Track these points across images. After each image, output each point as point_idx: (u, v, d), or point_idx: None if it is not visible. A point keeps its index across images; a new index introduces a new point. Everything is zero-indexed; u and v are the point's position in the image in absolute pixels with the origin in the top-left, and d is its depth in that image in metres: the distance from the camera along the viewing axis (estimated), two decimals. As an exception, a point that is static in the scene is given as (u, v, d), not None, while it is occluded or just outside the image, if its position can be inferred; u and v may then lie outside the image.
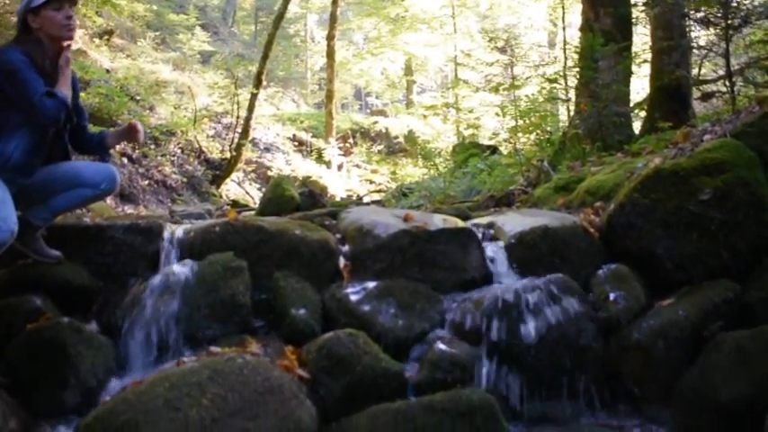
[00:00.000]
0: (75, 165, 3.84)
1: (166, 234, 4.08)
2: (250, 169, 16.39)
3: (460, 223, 4.30)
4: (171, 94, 16.72)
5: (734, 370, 3.37)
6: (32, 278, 3.70)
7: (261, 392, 2.87)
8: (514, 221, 4.38)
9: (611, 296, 3.81)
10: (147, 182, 12.18)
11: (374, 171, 20.12)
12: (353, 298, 3.73)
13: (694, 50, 7.78)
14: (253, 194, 14.90)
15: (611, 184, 4.85)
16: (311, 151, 19.59)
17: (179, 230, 4.14)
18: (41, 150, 3.59)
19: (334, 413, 3.17)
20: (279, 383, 2.95)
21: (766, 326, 3.49)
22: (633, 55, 8.37)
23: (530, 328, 3.53)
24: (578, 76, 8.10)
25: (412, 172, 17.94)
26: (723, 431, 3.34)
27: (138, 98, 14.66)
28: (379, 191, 15.97)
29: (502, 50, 10.68)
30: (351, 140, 20.81)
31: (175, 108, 15.87)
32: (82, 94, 11.86)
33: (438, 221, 4.21)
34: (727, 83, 6.48)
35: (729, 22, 6.15)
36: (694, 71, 8.21)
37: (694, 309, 3.67)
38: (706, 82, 8.30)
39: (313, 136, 20.40)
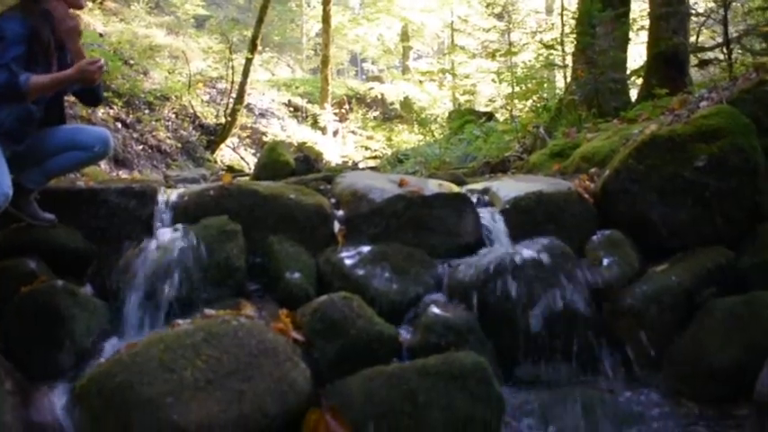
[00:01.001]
0: (69, 128, 3.81)
1: (161, 198, 4.07)
2: (245, 135, 16.31)
3: (455, 188, 4.30)
4: (165, 59, 16.56)
5: (726, 335, 3.42)
6: (26, 241, 3.69)
7: (255, 354, 2.88)
8: (509, 187, 4.38)
9: (605, 261, 3.82)
10: (141, 147, 12.11)
11: (370, 137, 20.05)
12: (348, 262, 3.74)
13: (692, 17, 7.73)
14: (248, 160, 14.84)
15: (607, 150, 4.85)
16: (306, 117, 19.49)
17: (173, 194, 4.13)
18: (33, 118, 3.56)
19: (329, 375, 3.18)
20: (273, 346, 2.97)
21: (758, 292, 3.53)
22: (631, 21, 8.32)
23: (523, 292, 3.55)
24: (575, 43, 8.05)
25: (407, 138, 17.89)
26: (714, 395, 3.40)
27: (131, 62, 14.51)
28: (374, 157, 15.93)
29: (499, 16, 10.61)
30: (346, 107, 20.70)
31: (170, 73, 15.72)
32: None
33: (433, 186, 4.20)
34: (725, 50, 6.45)
35: (728, -12, 6.10)
36: (692, 38, 8.16)
37: (687, 275, 3.69)
38: (704, 49, 8.27)
39: (308, 102, 20.27)
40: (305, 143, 16.14)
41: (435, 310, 3.48)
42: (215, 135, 14.81)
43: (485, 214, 4.14)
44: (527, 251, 3.71)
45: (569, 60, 8.72)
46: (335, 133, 18.54)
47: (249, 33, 16.46)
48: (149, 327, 3.48)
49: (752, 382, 3.15)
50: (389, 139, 18.70)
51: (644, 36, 8.61)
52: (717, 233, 3.92)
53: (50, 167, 3.69)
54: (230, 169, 12.69)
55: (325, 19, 19.85)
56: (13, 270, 3.52)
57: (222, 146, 14.87)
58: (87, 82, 3.54)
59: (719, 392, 3.40)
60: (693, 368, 3.48)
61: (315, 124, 18.94)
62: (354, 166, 12.24)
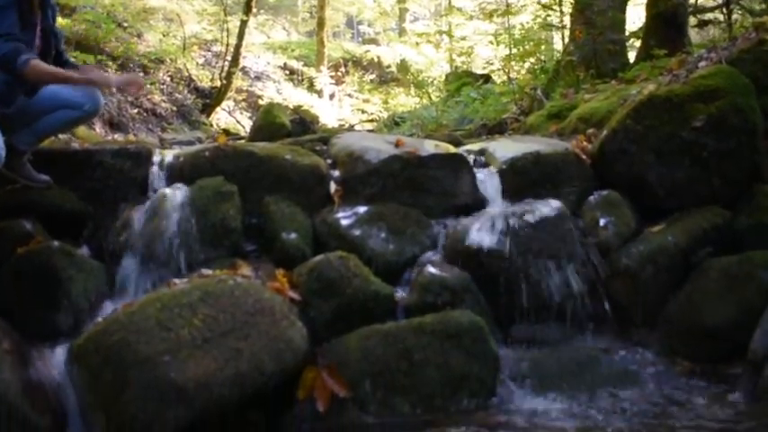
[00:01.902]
0: (58, 88, 3.75)
1: (156, 159, 4.05)
2: (241, 98, 16.19)
3: (452, 149, 4.28)
4: (159, 21, 16.34)
5: (721, 295, 3.44)
6: (21, 203, 3.68)
7: (252, 313, 2.89)
8: (506, 148, 4.36)
9: (602, 222, 3.83)
10: (136, 110, 12.01)
11: (366, 100, 19.91)
12: (344, 222, 3.74)
13: (692, -23, 7.63)
14: (244, 123, 14.74)
15: (605, 111, 4.82)
16: (302, 80, 19.33)
17: (169, 155, 4.11)
18: (23, 82, 3.52)
19: (325, 334, 3.21)
20: (270, 305, 2.98)
21: (753, 252, 3.54)
22: (630, -19, 8.21)
23: (519, 252, 3.55)
24: (573, 3, 7.96)
25: (404, 101, 17.76)
26: (708, 354, 3.43)
27: (125, 25, 14.32)
28: (371, 120, 15.83)
29: (497, -24, 10.46)
30: (342, 69, 20.51)
31: (164, 35, 15.53)
32: (67, 21, 11.63)
33: (429, 147, 4.18)
34: (725, 10, 6.39)
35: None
36: (691, -1, 8.07)
37: (684, 235, 3.70)
38: (703, 10, 8.19)
39: (304, 65, 20.07)
40: (301, 106, 16.01)
41: (431, 269, 3.49)
42: (210, 98, 14.69)
43: (481, 175, 4.12)
44: (524, 212, 3.71)
45: (567, 21, 8.63)
46: (332, 96, 18.41)
47: (244, -5, 16.24)
48: (146, 288, 3.48)
49: (746, 341, 3.19)
50: (386, 102, 18.56)
51: (643, -4, 8.52)
52: (714, 193, 3.91)
53: (41, 128, 3.66)
54: (226, 132, 12.62)
55: (321, -20, 19.58)
56: (8, 231, 3.51)
57: (218, 109, 14.77)
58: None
59: (714, 351, 3.43)
60: (688, 328, 3.51)
61: (311, 87, 18.79)
62: (351, 129, 12.19)
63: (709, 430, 2.79)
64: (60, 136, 4.60)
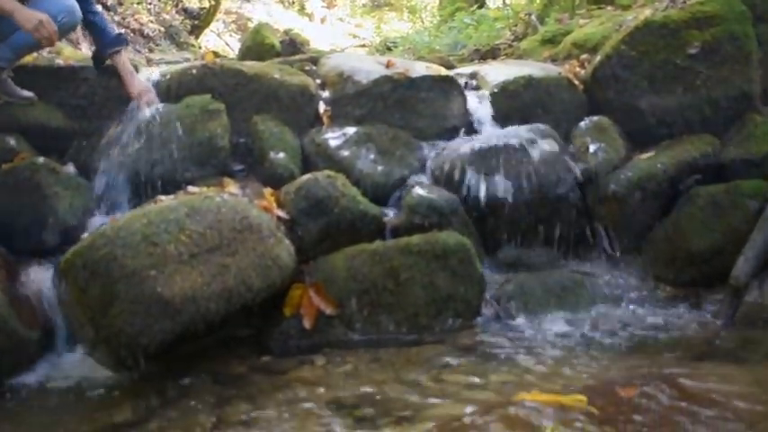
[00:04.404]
0: (32, 1, 3.62)
1: (142, 76, 3.97)
2: (230, 20, 15.87)
3: (443, 71, 4.21)
4: (146, -62, 15.87)
5: (707, 222, 3.47)
6: (5, 119, 3.63)
7: (239, 230, 2.88)
8: (498, 71, 4.31)
9: (592, 148, 3.81)
10: (122, 30, 11.77)
11: (358, 25, 19.55)
12: (333, 143, 3.70)
13: None
14: (233, 46, 14.49)
15: (599, 36, 4.74)
16: (293, 3, 18.93)
17: (155, 73, 4.03)
18: None
19: (312, 253, 3.22)
20: (257, 222, 2.97)
21: (741, 181, 3.55)
22: None
23: (508, 175, 3.55)
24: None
25: (397, 27, 17.47)
26: (691, 277, 3.49)
27: (110, -60, 13.91)
28: (362, 45, 15.58)
29: None
30: (334, -7, 20.10)
31: (151, -48, 15.10)
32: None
33: (421, 69, 4.12)
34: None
35: None
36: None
37: (673, 162, 3.70)
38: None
39: (295, -13, 19.65)
40: (292, 29, 15.74)
41: (420, 191, 3.48)
42: (199, 19, 14.39)
43: (472, 98, 4.08)
44: (513, 135, 3.69)
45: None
46: (323, 20, 18.08)
47: None
48: (132, 205, 3.47)
49: (728, 267, 3.23)
50: (378, 28, 18.26)
51: None
52: (705, 122, 3.89)
53: (16, 42, 3.51)
54: (215, 55, 12.39)
55: None
56: (-8, 147, 3.47)
57: (206, 31, 14.47)
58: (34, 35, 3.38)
59: (697, 277, 3.48)
60: (673, 254, 3.54)
61: (302, 10, 18.42)
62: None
63: (688, 351, 2.84)
64: (44, 54, 4.49)
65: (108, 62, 3.85)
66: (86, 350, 2.93)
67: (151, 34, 12.58)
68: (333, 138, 3.73)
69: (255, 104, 3.84)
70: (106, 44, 3.83)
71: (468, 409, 2.14)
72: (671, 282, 3.53)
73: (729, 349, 2.89)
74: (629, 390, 2.10)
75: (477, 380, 2.54)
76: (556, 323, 3.20)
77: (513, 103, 4.02)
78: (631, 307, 3.38)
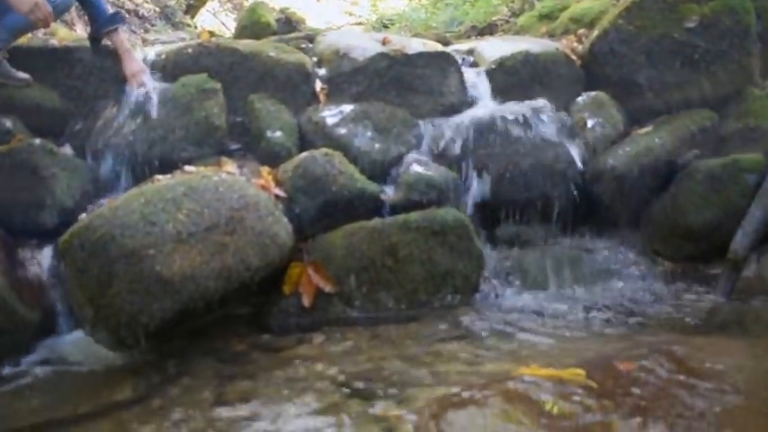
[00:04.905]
0: None
1: (137, 56, 3.94)
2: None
3: (440, 48, 4.19)
4: None
5: (705, 196, 3.46)
6: (1, 101, 3.58)
7: (237, 209, 2.88)
8: (495, 47, 4.28)
9: (590, 123, 3.80)
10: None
11: (354, 3, 19.42)
12: (330, 121, 3.68)
13: None
14: (228, 25, 14.40)
15: (597, 11, 4.72)
16: (289, -18, 18.80)
17: (151, 52, 4.00)
18: None
19: (310, 231, 3.22)
20: (255, 200, 2.97)
21: (739, 155, 3.54)
22: None
23: (505, 152, 3.54)
24: None
25: (393, 5, 17.36)
26: (690, 254, 3.49)
27: None
28: (359, 23, 15.50)
29: None
30: (330, -29, 19.95)
31: (144, -69, 14.96)
32: None
33: (417, 45, 4.09)
34: None
35: None
36: None
37: (671, 137, 3.69)
38: None
39: (291, -35, 19.50)
40: (287, 8, 15.64)
41: (417, 168, 3.47)
42: (194, -1, 14.30)
43: (469, 74, 4.05)
44: (511, 111, 3.68)
45: None
46: (319, -1, 17.95)
47: None
48: (130, 186, 3.45)
49: (727, 241, 3.23)
50: (374, 5, 18.14)
51: None
52: (703, 96, 3.88)
53: (10, 23, 3.47)
54: (211, 35, 12.33)
55: None
56: (-11, 129, 3.45)
57: (202, 10, 14.36)
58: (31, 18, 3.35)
59: (695, 251, 3.48)
60: (671, 228, 3.54)
61: (298, -11, 18.30)
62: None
63: (684, 325, 2.86)
64: (39, 34, 4.46)
65: (105, 41, 3.82)
66: (86, 330, 2.92)
67: (146, 14, 12.49)
68: (330, 115, 3.71)
69: (252, 83, 3.81)
70: (102, 23, 3.80)
71: (468, 384, 2.15)
72: (669, 257, 3.54)
73: (727, 323, 2.89)
74: (627, 363, 2.10)
75: (476, 355, 2.56)
76: (554, 299, 3.22)
77: (511, 79, 3.99)
78: (630, 282, 3.39)
